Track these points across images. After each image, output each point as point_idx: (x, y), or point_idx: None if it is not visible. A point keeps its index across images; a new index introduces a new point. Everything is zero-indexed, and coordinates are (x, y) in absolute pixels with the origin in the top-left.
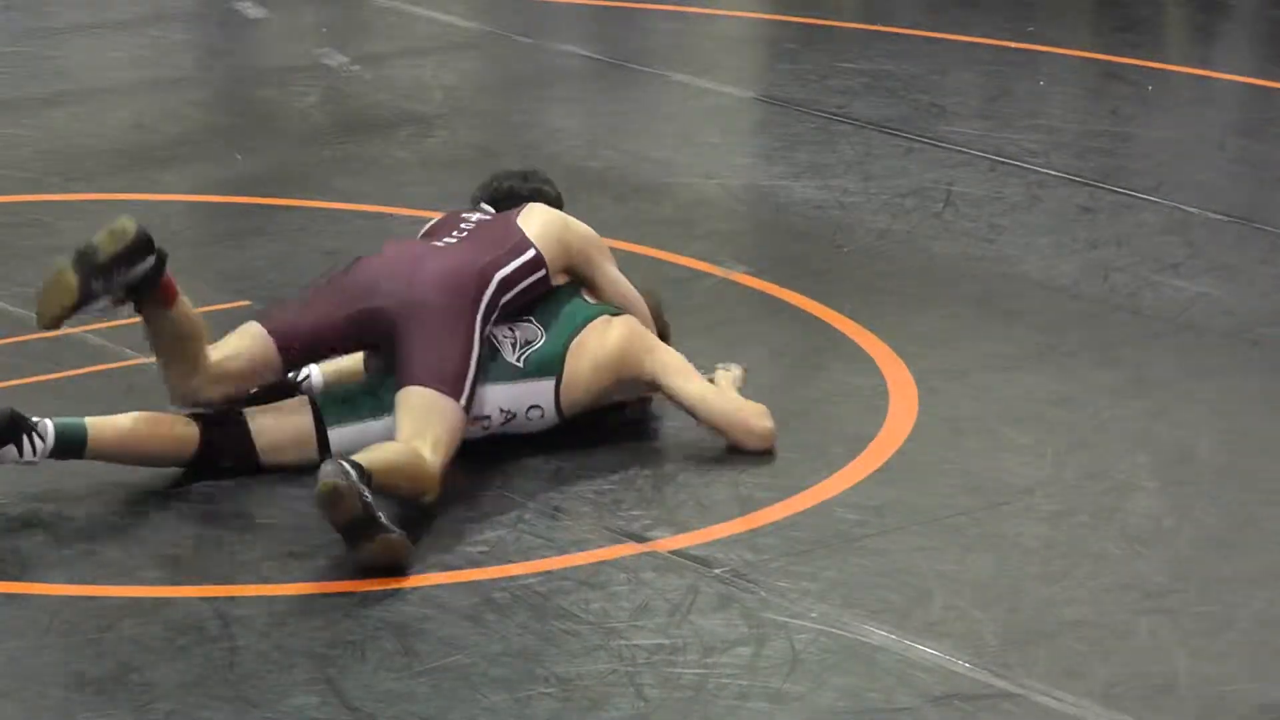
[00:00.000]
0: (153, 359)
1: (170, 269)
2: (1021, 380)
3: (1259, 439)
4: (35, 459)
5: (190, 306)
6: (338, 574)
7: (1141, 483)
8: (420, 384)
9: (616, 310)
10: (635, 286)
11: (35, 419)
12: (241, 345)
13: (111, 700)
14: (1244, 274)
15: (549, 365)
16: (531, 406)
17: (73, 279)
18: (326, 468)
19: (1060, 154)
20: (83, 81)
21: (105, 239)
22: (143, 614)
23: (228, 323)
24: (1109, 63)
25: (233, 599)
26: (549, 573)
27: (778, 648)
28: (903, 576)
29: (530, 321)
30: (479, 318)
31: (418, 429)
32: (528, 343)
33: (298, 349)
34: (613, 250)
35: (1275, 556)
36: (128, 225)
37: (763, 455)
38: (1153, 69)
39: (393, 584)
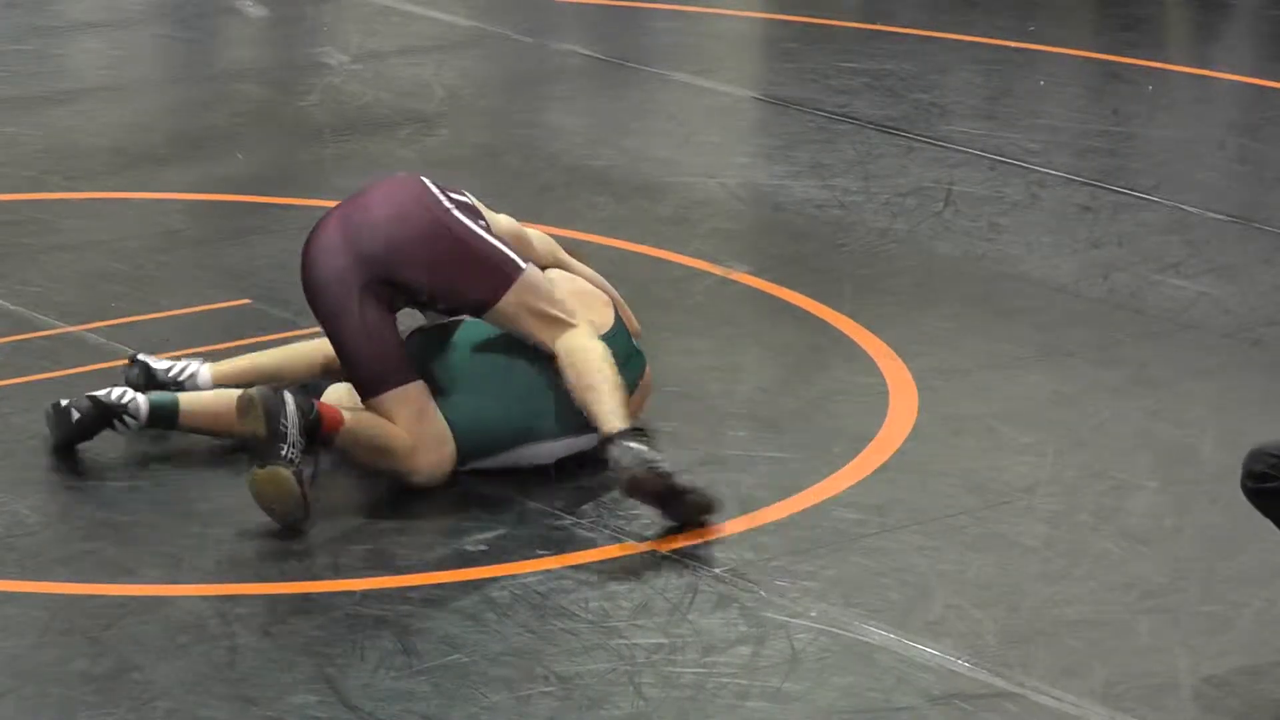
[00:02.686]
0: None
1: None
2: (1022, 379)
3: (1259, 438)
4: (130, 431)
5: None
6: (338, 573)
7: (1142, 482)
8: (494, 300)
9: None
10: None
11: (127, 399)
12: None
13: (111, 698)
14: (1244, 273)
15: None
16: (580, 452)
17: (277, 472)
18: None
19: (1060, 153)
20: (84, 80)
21: (252, 423)
22: (143, 612)
23: (229, 321)
24: (1109, 62)
25: (233, 597)
26: (549, 571)
27: (777, 647)
28: (903, 576)
29: None
30: (449, 215)
31: (546, 319)
32: None
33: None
34: (614, 249)
35: (1275, 556)
36: (251, 400)
37: (757, 456)
38: (1153, 68)
39: (392, 582)
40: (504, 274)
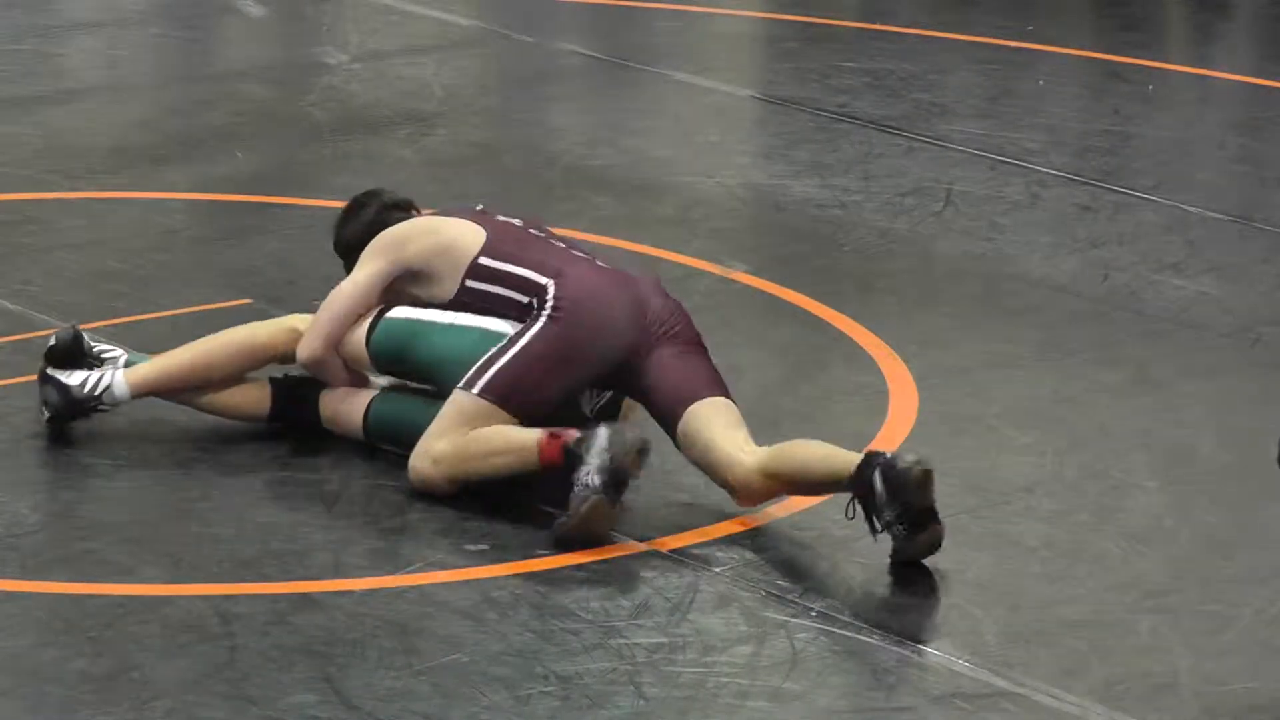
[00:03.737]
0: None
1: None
2: (1022, 379)
3: (1259, 438)
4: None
5: None
6: (337, 572)
7: (1141, 482)
8: (714, 395)
9: None
10: None
11: (107, 354)
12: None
13: (111, 698)
14: (1244, 273)
15: (607, 416)
16: None
17: (611, 510)
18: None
19: (1060, 153)
20: (84, 79)
21: (635, 461)
22: (142, 612)
23: (230, 321)
24: (1109, 62)
25: (232, 597)
26: (549, 571)
27: (778, 646)
28: (903, 575)
29: None
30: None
31: (741, 432)
32: (603, 391)
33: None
34: (614, 249)
35: (1275, 555)
36: (645, 443)
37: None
38: (1153, 68)
39: (392, 582)
40: (723, 388)
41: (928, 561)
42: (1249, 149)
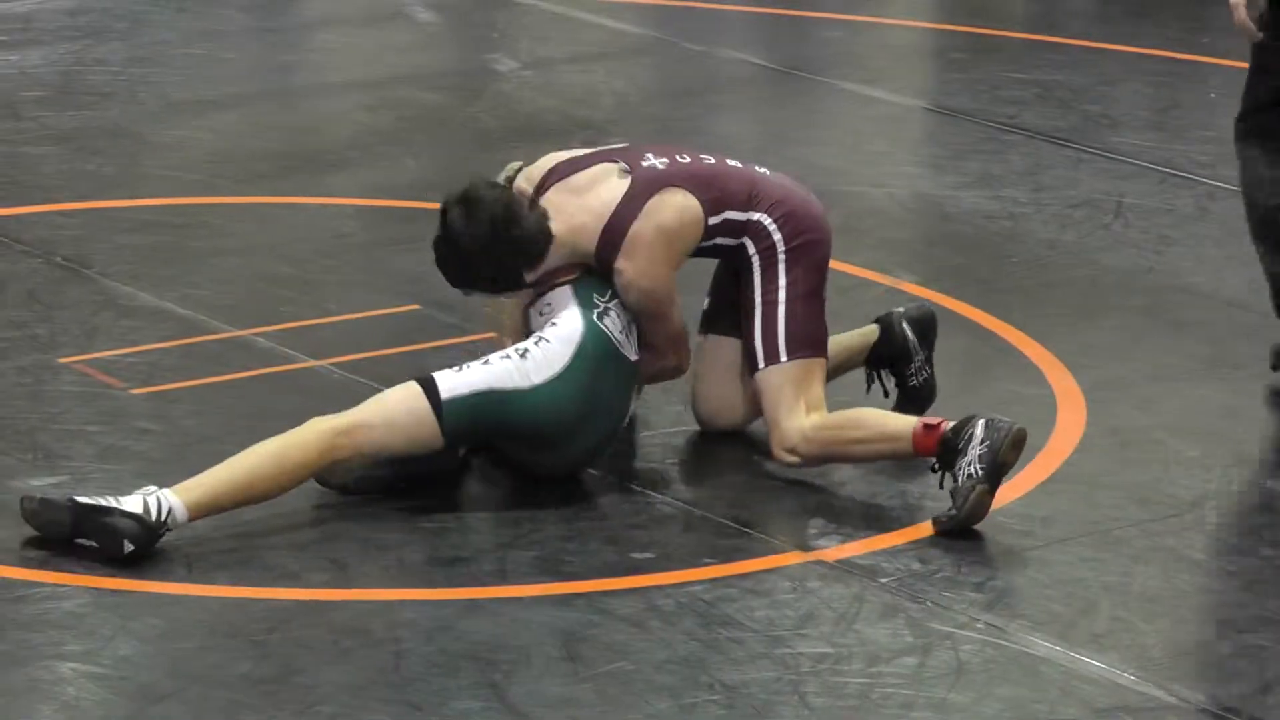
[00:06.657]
0: (321, 361)
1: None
2: (1189, 392)
3: None
4: None
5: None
6: (504, 579)
7: None
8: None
9: None
10: None
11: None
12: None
13: (275, 701)
14: None
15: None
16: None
17: (990, 500)
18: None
19: (1230, 166)
20: (253, 84)
21: (1011, 451)
22: (308, 616)
23: (397, 326)
24: None
25: (398, 603)
26: (714, 580)
27: (943, 658)
28: (1068, 588)
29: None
30: None
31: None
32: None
33: None
34: None
35: None
36: (1022, 432)
37: (923, 465)
38: None
39: (558, 589)
40: None
41: (1093, 574)
42: None
